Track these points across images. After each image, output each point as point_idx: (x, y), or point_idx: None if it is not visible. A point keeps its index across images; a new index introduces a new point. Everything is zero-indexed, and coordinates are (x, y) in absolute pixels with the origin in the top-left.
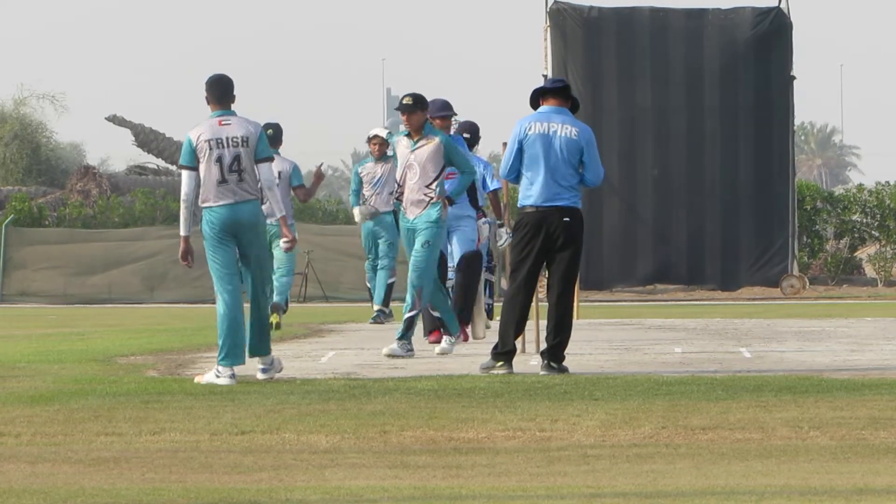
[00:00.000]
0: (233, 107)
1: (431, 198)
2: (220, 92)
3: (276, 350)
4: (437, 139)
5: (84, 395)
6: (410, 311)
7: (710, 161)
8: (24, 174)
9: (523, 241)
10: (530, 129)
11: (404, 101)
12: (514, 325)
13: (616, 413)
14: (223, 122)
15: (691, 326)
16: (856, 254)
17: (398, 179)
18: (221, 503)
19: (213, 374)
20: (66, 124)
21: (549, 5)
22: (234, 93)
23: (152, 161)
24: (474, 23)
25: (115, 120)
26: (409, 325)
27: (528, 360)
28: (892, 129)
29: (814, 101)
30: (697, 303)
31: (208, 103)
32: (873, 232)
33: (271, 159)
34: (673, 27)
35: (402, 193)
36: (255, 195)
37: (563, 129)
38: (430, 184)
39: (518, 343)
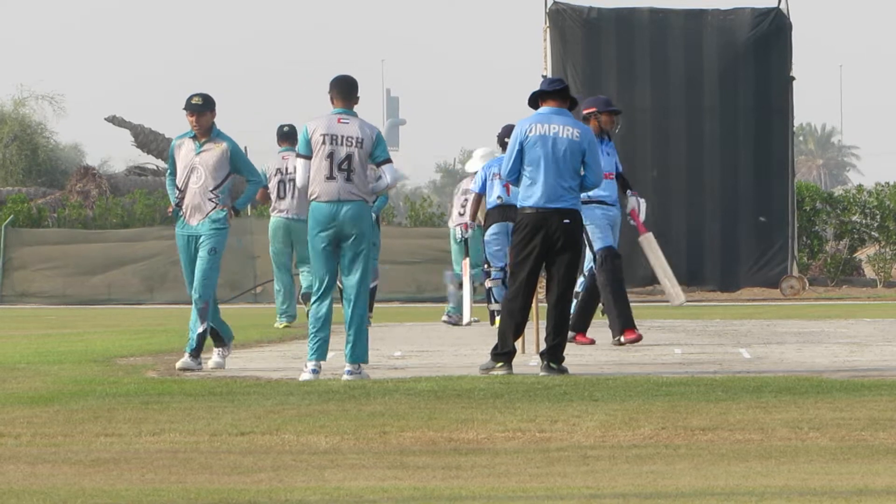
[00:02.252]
0: (355, 108)
1: (216, 204)
2: (345, 90)
3: (277, 350)
4: (224, 144)
5: (84, 396)
6: (201, 326)
7: (710, 161)
8: (23, 175)
9: (523, 242)
10: (531, 130)
11: (193, 101)
12: (513, 327)
13: (616, 414)
14: (342, 120)
15: (691, 327)
16: (855, 255)
17: (178, 184)
18: None
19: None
20: (66, 125)
21: (549, 6)
22: (359, 95)
23: (152, 162)
24: (474, 23)
25: (114, 121)
26: (202, 341)
27: (528, 360)
28: (891, 129)
29: (813, 101)
30: (697, 303)
31: (332, 101)
32: (873, 233)
33: (390, 161)
34: (672, 28)
35: (182, 199)
36: (360, 196)
37: (565, 130)
38: (215, 188)
39: (518, 344)
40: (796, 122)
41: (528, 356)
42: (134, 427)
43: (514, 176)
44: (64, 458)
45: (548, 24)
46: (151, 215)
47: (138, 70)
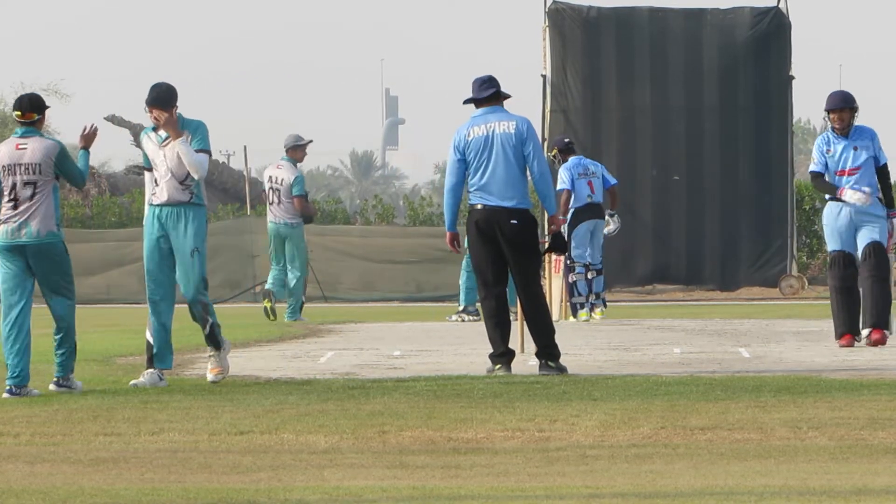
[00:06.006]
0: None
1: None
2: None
3: (277, 350)
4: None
5: (83, 395)
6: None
7: (710, 161)
8: None
9: (475, 244)
10: (469, 134)
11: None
12: (498, 328)
13: (615, 413)
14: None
15: (690, 327)
16: None
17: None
18: (220, 503)
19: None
20: (68, 125)
21: (548, 5)
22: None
23: None
24: (473, 23)
25: (113, 120)
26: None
27: (527, 360)
28: (892, 128)
29: (813, 101)
30: (696, 303)
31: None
32: None
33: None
34: (672, 27)
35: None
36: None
37: (501, 126)
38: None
39: (517, 344)
40: (796, 122)
41: (528, 356)
42: (133, 426)
43: (457, 185)
44: (63, 457)
45: (547, 24)
46: None
47: (138, 69)
